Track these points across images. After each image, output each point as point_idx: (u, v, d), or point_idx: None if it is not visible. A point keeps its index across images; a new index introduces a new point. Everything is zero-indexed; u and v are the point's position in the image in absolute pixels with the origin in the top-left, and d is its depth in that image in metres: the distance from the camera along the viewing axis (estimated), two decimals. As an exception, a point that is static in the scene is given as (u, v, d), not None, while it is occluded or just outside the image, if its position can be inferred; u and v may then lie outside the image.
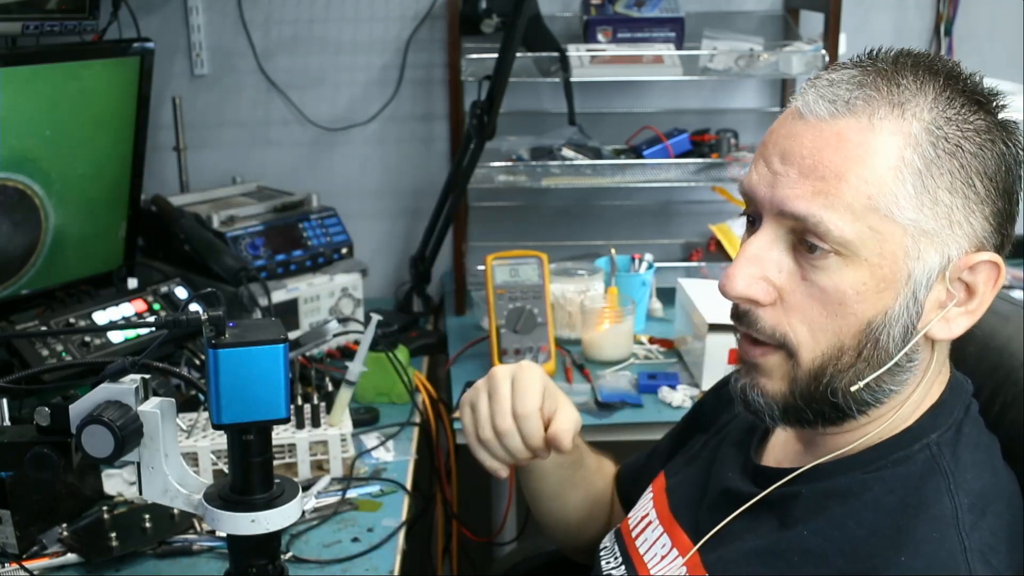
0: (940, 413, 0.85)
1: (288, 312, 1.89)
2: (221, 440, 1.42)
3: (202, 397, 1.50)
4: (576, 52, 2.07)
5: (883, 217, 0.77)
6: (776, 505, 0.87)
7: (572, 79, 2.07)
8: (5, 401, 0.97)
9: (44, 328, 1.62)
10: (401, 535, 1.38)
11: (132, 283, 1.82)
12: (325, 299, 1.96)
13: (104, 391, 0.88)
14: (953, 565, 0.76)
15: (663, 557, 0.96)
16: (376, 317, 1.55)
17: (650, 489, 1.08)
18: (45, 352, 1.57)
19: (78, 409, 0.88)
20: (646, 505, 1.06)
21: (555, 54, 2.05)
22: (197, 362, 1.61)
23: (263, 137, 2.34)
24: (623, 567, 1.01)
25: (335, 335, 1.80)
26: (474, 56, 2.03)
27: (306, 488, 1.43)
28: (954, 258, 0.79)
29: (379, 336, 1.59)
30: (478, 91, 1.98)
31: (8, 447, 0.90)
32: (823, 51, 2.07)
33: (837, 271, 0.79)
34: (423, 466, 1.69)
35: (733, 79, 2.30)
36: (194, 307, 1.53)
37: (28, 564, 1.25)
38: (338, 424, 1.50)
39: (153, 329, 1.67)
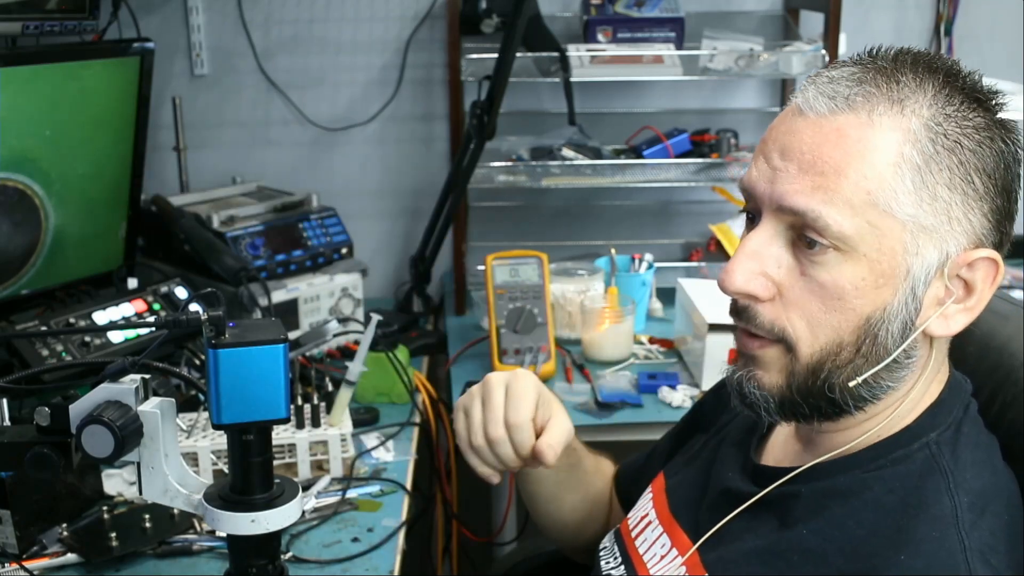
0: (939, 412, 0.85)
1: (288, 312, 1.89)
2: (221, 440, 1.42)
3: (202, 397, 1.50)
4: (576, 52, 2.07)
5: (882, 212, 0.77)
6: (776, 505, 0.87)
7: (572, 79, 2.07)
8: (5, 401, 0.98)
9: (44, 328, 1.62)
10: (401, 535, 1.38)
11: (132, 283, 1.82)
12: (325, 299, 1.96)
13: (104, 391, 0.88)
14: (953, 564, 0.76)
15: (663, 557, 0.96)
16: (376, 317, 1.55)
17: (650, 489, 1.08)
18: (45, 352, 1.57)
19: (78, 409, 0.88)
20: (645, 505, 1.06)
21: (555, 54, 2.05)
22: (197, 362, 1.61)
23: (263, 137, 2.34)
24: (623, 567, 1.01)
25: (335, 335, 1.80)
26: (474, 56, 2.03)
27: (306, 488, 1.43)
28: (953, 254, 0.79)
29: (379, 336, 1.59)
30: (478, 91, 1.98)
31: (8, 447, 0.90)
32: (823, 51, 2.07)
33: (836, 266, 0.79)
34: (423, 466, 1.69)
35: (733, 79, 2.30)
36: (194, 307, 1.53)
37: (28, 564, 1.25)
38: (338, 424, 1.50)
39: (153, 329, 1.67)
